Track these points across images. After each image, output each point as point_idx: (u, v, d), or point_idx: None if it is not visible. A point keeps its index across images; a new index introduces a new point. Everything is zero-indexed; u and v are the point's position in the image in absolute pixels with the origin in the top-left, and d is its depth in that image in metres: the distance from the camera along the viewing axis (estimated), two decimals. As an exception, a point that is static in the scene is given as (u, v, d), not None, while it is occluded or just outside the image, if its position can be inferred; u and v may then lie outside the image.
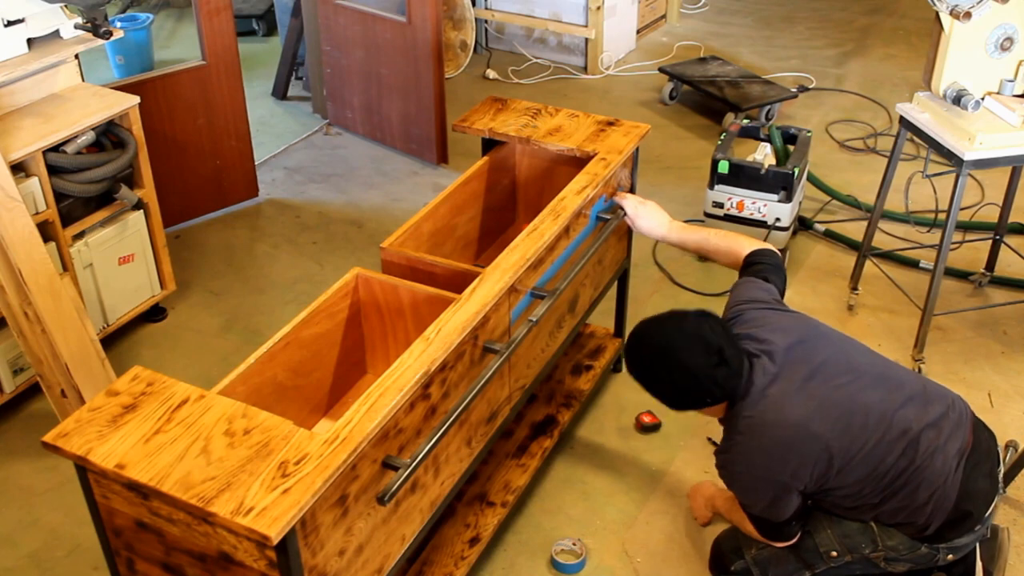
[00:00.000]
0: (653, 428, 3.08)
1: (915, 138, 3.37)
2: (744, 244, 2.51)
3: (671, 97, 5.29)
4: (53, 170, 3.04)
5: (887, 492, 2.12)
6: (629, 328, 2.41)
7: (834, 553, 2.23)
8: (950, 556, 2.20)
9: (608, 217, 2.82)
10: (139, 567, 1.96)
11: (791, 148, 3.89)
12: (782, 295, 2.38)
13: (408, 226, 2.64)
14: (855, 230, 4.05)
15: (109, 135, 3.25)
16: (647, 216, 2.71)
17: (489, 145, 3.04)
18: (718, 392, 2.11)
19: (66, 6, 3.15)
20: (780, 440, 2.09)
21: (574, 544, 2.66)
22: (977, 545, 2.32)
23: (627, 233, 3.15)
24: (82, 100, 3.21)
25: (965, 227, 4.02)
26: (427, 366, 2.01)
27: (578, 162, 2.87)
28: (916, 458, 2.11)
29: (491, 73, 5.67)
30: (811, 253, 3.99)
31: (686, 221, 4.19)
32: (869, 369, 2.20)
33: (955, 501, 2.12)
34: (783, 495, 2.12)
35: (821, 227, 4.09)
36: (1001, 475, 2.25)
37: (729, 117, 4.82)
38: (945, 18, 2.97)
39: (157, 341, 3.54)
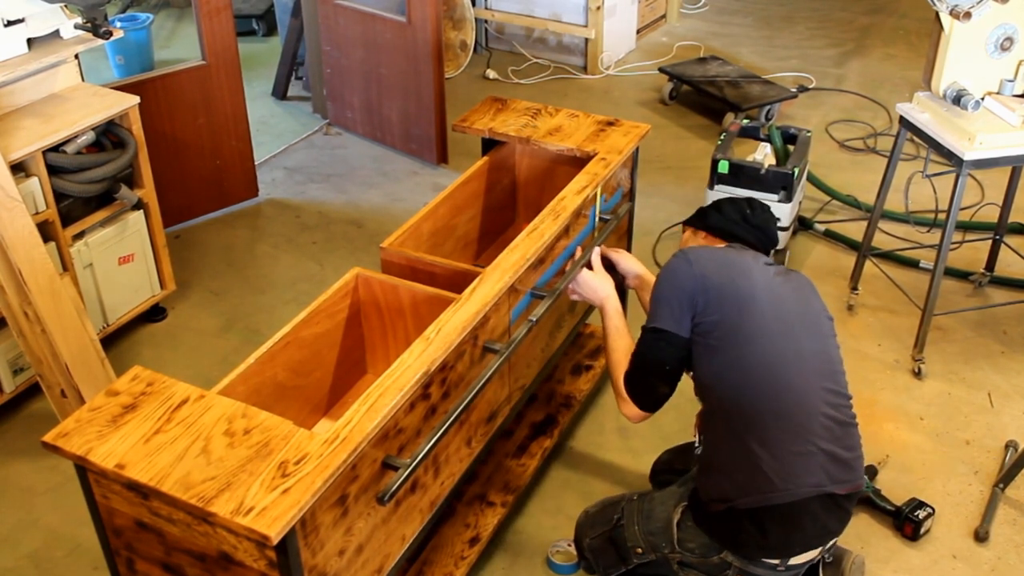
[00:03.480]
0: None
1: (915, 138, 3.37)
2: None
3: (671, 97, 5.29)
4: (53, 170, 3.04)
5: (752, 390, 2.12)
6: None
7: (639, 550, 2.29)
8: None
9: (608, 217, 2.82)
10: (139, 567, 1.96)
11: (791, 148, 3.89)
12: None
13: (408, 226, 2.64)
14: (855, 230, 4.05)
15: (109, 135, 3.25)
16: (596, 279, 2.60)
17: (489, 145, 3.04)
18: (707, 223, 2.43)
19: (66, 6, 3.15)
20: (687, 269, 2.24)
21: (569, 545, 2.66)
22: (820, 570, 2.35)
23: (627, 233, 3.15)
24: (82, 100, 3.21)
25: (965, 227, 4.02)
26: (427, 366, 2.01)
27: (578, 162, 2.87)
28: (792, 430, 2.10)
29: (491, 73, 5.67)
30: (811, 253, 3.99)
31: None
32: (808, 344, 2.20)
33: (789, 503, 2.08)
34: (669, 307, 2.20)
35: (821, 227, 4.09)
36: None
37: (729, 117, 4.82)
38: (945, 18, 2.97)
39: (157, 341, 3.54)
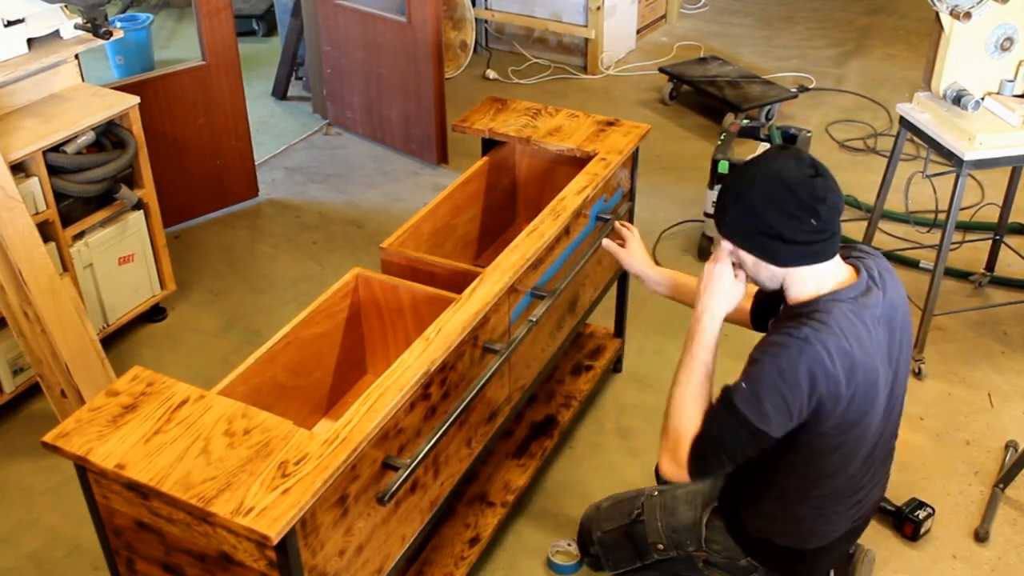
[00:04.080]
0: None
1: (915, 138, 3.37)
2: None
3: (671, 97, 5.29)
4: (53, 170, 3.04)
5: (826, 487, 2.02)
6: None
7: (661, 546, 2.21)
8: None
9: (608, 217, 2.83)
10: (139, 567, 1.96)
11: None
12: None
13: (408, 226, 2.64)
14: (855, 230, 4.05)
15: (109, 135, 3.25)
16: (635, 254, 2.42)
17: (489, 145, 3.04)
18: (798, 229, 1.83)
19: (66, 6, 3.15)
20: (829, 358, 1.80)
21: (569, 545, 2.66)
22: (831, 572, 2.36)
23: (627, 233, 3.15)
24: (82, 100, 3.21)
25: (965, 227, 4.02)
26: (427, 366, 2.01)
27: (578, 162, 2.87)
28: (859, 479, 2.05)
29: (491, 73, 5.67)
30: (811, 253, 3.99)
31: (684, 222, 4.20)
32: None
33: (824, 546, 2.10)
34: (778, 407, 1.82)
35: (821, 227, 4.09)
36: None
37: (729, 117, 4.81)
38: (945, 18, 2.97)
39: (157, 341, 3.54)
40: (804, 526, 2.08)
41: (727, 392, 1.87)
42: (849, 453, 1.95)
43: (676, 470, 1.94)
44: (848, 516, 2.09)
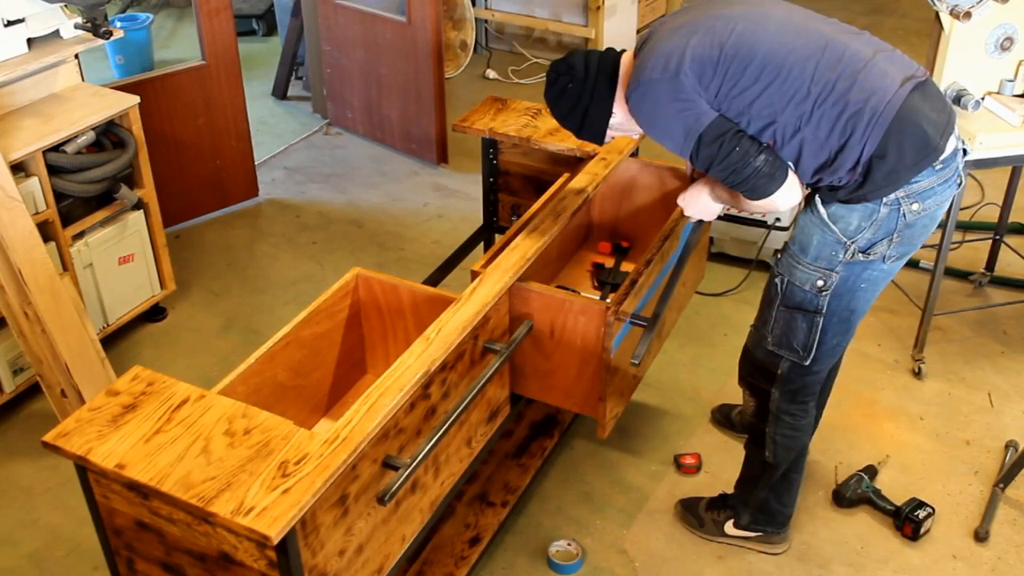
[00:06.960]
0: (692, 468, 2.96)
1: (915, 138, 3.36)
2: None
3: (671, 97, 5.28)
4: (53, 170, 3.04)
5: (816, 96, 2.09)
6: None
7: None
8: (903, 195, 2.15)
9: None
10: (139, 567, 1.96)
11: (791, 148, 3.89)
12: None
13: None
14: (855, 230, 4.05)
15: (109, 135, 3.25)
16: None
17: (489, 145, 3.04)
18: None
19: (66, 6, 3.15)
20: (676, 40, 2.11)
21: (569, 544, 2.66)
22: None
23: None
24: (82, 100, 3.21)
25: (965, 227, 4.02)
26: (427, 366, 2.01)
27: (578, 162, 2.87)
28: (842, 63, 2.09)
29: (491, 73, 5.67)
30: (811, 253, 3.99)
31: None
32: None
33: (895, 117, 2.07)
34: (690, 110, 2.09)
35: (821, 227, 4.09)
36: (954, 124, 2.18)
37: (729, 117, 4.81)
38: (945, 18, 2.97)
39: (157, 341, 3.54)
40: (848, 109, 2.07)
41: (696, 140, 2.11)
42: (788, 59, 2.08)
43: (780, 200, 2.15)
44: (873, 76, 2.08)
